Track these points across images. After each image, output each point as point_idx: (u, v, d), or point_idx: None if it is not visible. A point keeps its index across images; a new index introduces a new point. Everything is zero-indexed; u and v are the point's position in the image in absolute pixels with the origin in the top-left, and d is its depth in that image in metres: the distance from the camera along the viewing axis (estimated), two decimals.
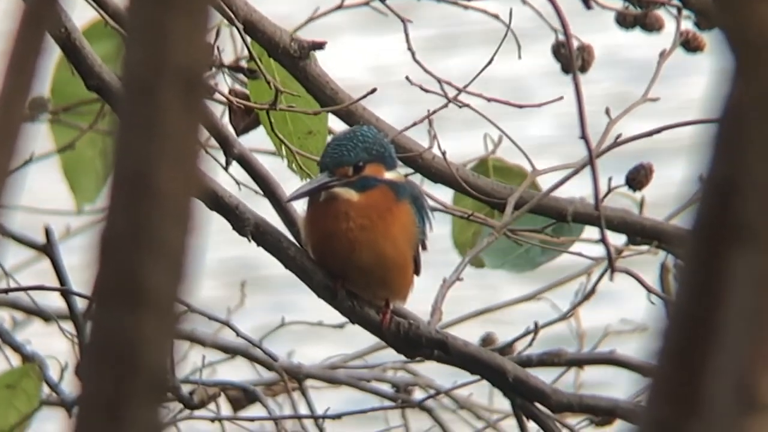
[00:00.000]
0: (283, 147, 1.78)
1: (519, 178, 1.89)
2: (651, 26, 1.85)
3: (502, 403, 2.07)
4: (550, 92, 1.75)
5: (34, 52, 0.85)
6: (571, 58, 1.73)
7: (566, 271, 2.06)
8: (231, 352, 2.05)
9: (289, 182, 1.77)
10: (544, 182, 1.84)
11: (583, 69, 1.83)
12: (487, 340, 2.01)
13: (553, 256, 1.88)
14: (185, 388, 1.87)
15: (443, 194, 1.88)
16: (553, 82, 1.88)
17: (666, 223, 1.81)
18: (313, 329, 2.16)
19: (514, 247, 1.87)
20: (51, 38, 0.87)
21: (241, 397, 2.07)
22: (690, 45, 1.84)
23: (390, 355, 1.93)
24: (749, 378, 0.78)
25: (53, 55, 1.67)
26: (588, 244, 1.84)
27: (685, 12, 1.82)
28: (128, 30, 0.82)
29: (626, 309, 2.18)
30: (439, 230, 1.79)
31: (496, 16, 1.83)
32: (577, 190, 1.81)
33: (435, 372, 2.09)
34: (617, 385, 1.80)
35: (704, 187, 0.81)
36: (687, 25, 1.84)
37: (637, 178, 1.82)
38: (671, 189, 1.71)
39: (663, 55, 1.82)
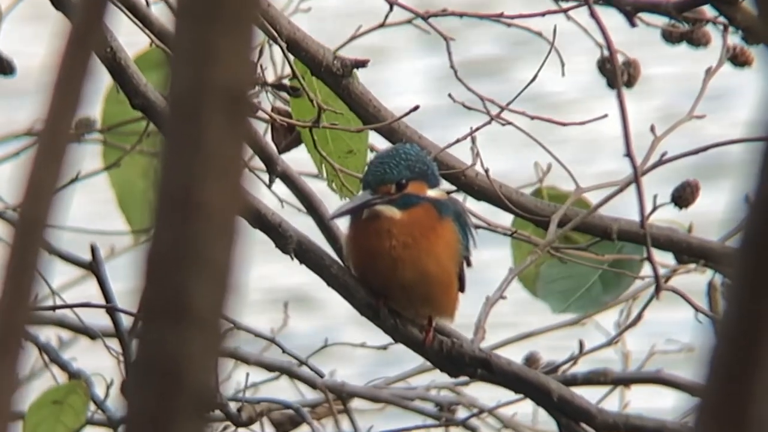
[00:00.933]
0: (323, 166, 1.78)
1: (574, 205, 1.87)
2: (698, 41, 1.84)
3: (546, 423, 2.06)
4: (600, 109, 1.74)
5: (81, 71, 0.86)
6: (616, 74, 1.72)
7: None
8: (275, 370, 2.05)
9: (331, 200, 1.77)
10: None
11: (629, 84, 1.82)
12: (531, 360, 2.00)
13: (617, 293, 1.86)
14: (232, 406, 1.87)
15: (486, 212, 1.87)
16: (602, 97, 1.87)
17: (713, 242, 1.79)
18: (355, 351, 2.15)
19: (575, 287, 1.85)
20: (97, 58, 0.88)
21: (285, 421, 2.07)
22: (737, 60, 1.83)
23: (433, 376, 1.92)
24: None
25: (103, 77, 1.68)
26: (632, 263, 1.82)
27: (731, 28, 1.80)
28: (173, 49, 0.83)
29: (672, 331, 2.16)
30: (484, 248, 1.78)
31: (539, 34, 1.83)
32: (625, 208, 1.79)
33: (479, 392, 2.08)
34: (662, 410, 1.78)
35: (752, 205, 0.80)
36: (735, 40, 1.82)
37: (683, 196, 1.81)
38: (718, 209, 1.70)
39: (709, 72, 1.81)
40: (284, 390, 2.08)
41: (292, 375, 2.02)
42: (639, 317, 1.81)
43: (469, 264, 1.71)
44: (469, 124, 1.77)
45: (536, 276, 1.91)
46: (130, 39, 1.78)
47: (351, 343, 2.14)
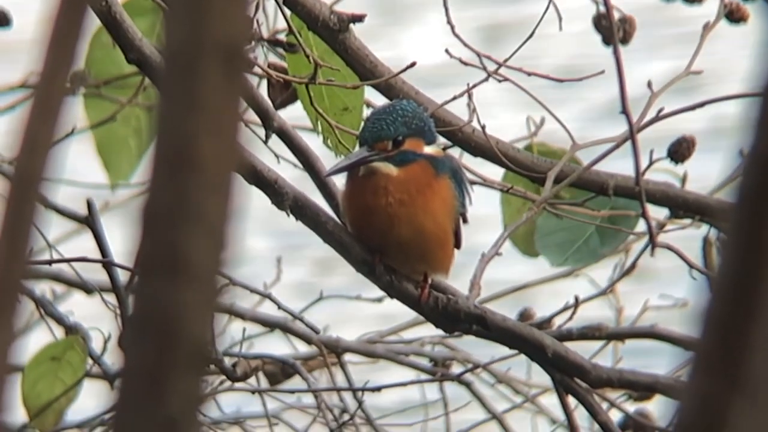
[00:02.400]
0: (319, 122, 1.78)
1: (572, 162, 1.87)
2: None
3: (540, 378, 2.07)
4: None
5: (76, 25, 0.85)
6: (612, 30, 1.72)
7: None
8: (270, 325, 2.06)
9: (328, 156, 1.77)
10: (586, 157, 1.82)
11: (625, 41, 1.81)
12: (524, 315, 2.00)
13: (614, 245, 1.86)
14: (227, 361, 1.88)
15: (482, 168, 1.87)
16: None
17: (709, 197, 1.79)
18: (350, 304, 2.16)
19: (571, 240, 1.86)
20: (92, 12, 0.87)
21: (278, 372, 2.08)
22: (733, 16, 1.82)
23: (427, 329, 1.93)
24: None
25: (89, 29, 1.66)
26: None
27: None
28: (169, 4, 0.82)
29: (667, 287, 2.17)
30: (479, 204, 1.78)
31: None
32: (622, 165, 1.79)
33: (473, 347, 2.09)
34: (655, 365, 1.79)
35: (747, 160, 0.80)
36: None
37: (680, 151, 1.81)
38: (714, 168, 1.70)
39: (707, 28, 1.81)
40: (279, 344, 2.09)
41: (287, 330, 2.03)
42: (632, 267, 1.82)
43: (465, 221, 1.71)
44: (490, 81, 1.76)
45: (526, 233, 1.92)
46: None
47: (346, 296, 2.15)
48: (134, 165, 2.07)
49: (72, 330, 1.94)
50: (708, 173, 1.83)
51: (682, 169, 1.84)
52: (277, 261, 2.20)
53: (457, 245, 1.71)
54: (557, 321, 1.81)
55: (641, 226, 1.76)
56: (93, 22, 0.86)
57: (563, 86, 1.80)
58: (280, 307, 1.88)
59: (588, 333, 1.75)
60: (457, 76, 1.84)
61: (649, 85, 1.78)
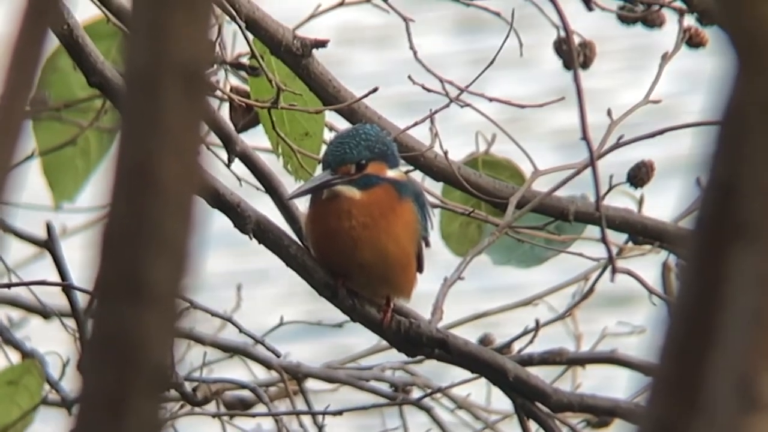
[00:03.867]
0: (280, 146, 1.78)
1: (508, 171, 1.90)
2: (652, 22, 1.85)
3: (500, 404, 2.07)
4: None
5: (37, 48, 0.85)
6: (572, 55, 1.73)
7: (568, 274, 2.06)
8: (230, 351, 2.05)
9: (291, 180, 1.77)
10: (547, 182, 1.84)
11: (585, 65, 1.83)
12: (485, 341, 2.01)
13: (557, 251, 1.88)
14: (187, 386, 1.87)
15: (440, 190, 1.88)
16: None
17: (668, 223, 1.81)
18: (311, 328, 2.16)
19: (517, 244, 1.87)
20: (53, 34, 0.87)
21: (237, 403, 2.07)
22: (692, 41, 1.84)
23: (389, 355, 1.93)
24: (750, 377, 0.78)
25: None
26: (591, 243, 1.84)
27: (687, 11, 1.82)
28: (130, 26, 0.82)
29: (626, 313, 2.18)
30: (437, 227, 1.79)
31: (497, 14, 1.83)
32: (581, 186, 1.81)
33: (434, 374, 2.09)
34: (615, 388, 1.80)
35: (706, 187, 0.81)
36: (689, 21, 1.84)
37: (639, 176, 1.82)
38: (674, 198, 1.71)
39: (665, 57, 1.83)
40: (237, 370, 2.08)
41: (248, 355, 2.02)
42: (591, 291, 1.83)
43: (427, 244, 1.72)
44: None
45: (459, 234, 1.93)
46: (85, 12, 1.76)
47: (307, 321, 2.14)
48: (80, 185, 2.05)
49: (29, 355, 1.92)
50: (668, 203, 1.85)
51: (642, 195, 1.86)
52: (237, 288, 2.19)
53: (420, 269, 1.72)
54: (517, 346, 1.81)
55: (601, 251, 1.78)
56: (51, 44, 0.86)
57: (536, 112, 1.82)
58: (241, 330, 1.88)
59: (549, 358, 1.76)
60: (423, 103, 1.85)
61: (609, 113, 1.80)
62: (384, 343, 1.82)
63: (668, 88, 1.85)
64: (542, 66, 1.84)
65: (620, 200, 1.81)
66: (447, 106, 1.80)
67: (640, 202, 1.83)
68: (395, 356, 1.77)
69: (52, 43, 0.86)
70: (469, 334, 1.85)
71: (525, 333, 1.79)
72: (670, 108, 1.90)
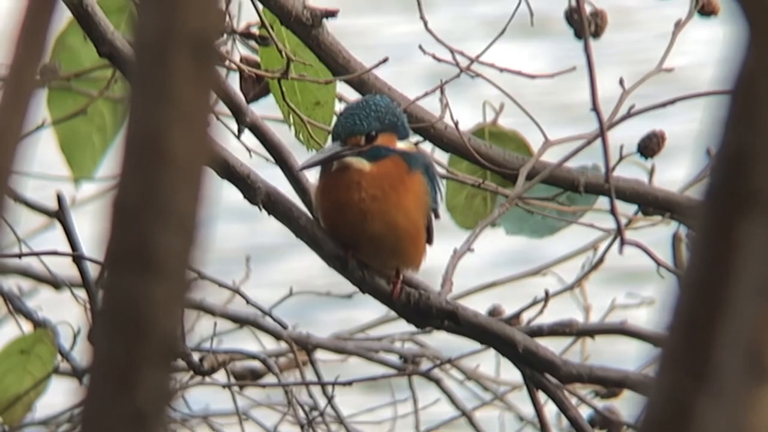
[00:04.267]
0: (291, 116, 1.78)
1: (514, 143, 1.89)
2: None
3: (509, 375, 2.07)
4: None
5: (46, 18, 0.85)
6: (583, 24, 1.72)
7: (578, 246, 2.05)
8: (240, 322, 2.06)
9: (301, 151, 1.77)
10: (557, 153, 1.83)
11: (596, 35, 1.82)
12: (494, 313, 2.01)
13: (569, 218, 1.87)
14: (195, 356, 1.88)
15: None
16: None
17: (678, 194, 1.80)
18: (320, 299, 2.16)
19: (529, 214, 1.87)
20: (63, 4, 0.87)
21: (246, 373, 2.08)
22: (704, 9, 1.83)
23: (398, 326, 1.93)
24: (759, 348, 0.78)
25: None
26: (602, 214, 1.84)
27: None
28: None
29: (635, 287, 2.18)
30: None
31: None
32: (593, 157, 1.80)
33: (443, 345, 2.09)
34: (624, 361, 1.80)
35: (716, 157, 0.81)
36: None
37: (650, 146, 1.82)
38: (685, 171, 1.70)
39: (678, 25, 1.81)
40: (247, 341, 2.09)
41: (258, 326, 2.03)
42: (600, 262, 1.83)
43: (437, 216, 1.72)
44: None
45: (464, 206, 1.93)
46: None
47: (316, 292, 2.15)
48: (98, 161, 2.06)
49: (40, 325, 1.93)
50: (679, 175, 1.84)
51: (653, 165, 1.85)
52: (246, 259, 2.19)
53: (429, 241, 1.72)
54: (526, 317, 1.82)
55: (610, 222, 1.77)
56: (61, 16, 0.86)
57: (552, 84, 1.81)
58: (248, 302, 1.88)
59: (558, 329, 1.76)
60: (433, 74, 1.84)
61: (621, 82, 1.79)
62: (393, 314, 1.82)
63: (681, 58, 1.84)
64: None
65: (633, 171, 1.81)
66: (457, 76, 1.79)
67: (651, 173, 1.83)
68: (404, 327, 1.77)
69: (63, 18, 0.85)
70: (478, 305, 1.85)
71: (534, 303, 1.79)
72: (683, 79, 1.89)
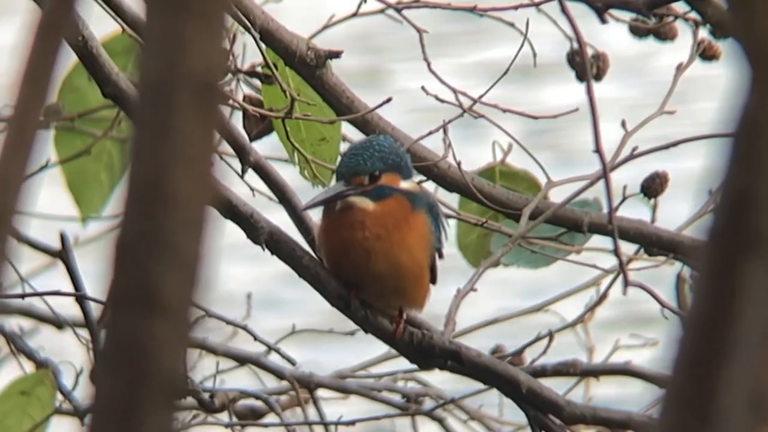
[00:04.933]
0: (296, 154, 1.78)
1: (525, 183, 1.90)
2: (665, 35, 1.85)
3: (512, 415, 2.06)
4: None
5: (51, 59, 0.85)
6: (586, 67, 1.73)
7: (579, 283, 2.05)
8: (242, 360, 2.05)
9: (304, 191, 1.77)
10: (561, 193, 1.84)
11: (598, 77, 1.83)
12: (496, 352, 2.01)
13: (567, 252, 1.87)
14: (204, 395, 1.87)
15: (455, 201, 1.88)
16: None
17: (682, 235, 1.80)
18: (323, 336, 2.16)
19: (527, 244, 1.87)
20: (68, 46, 0.87)
21: (248, 412, 2.07)
22: (706, 54, 1.84)
23: (402, 362, 1.93)
24: (762, 390, 0.78)
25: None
26: (603, 253, 1.84)
27: (701, 23, 1.81)
28: (144, 37, 0.83)
29: (639, 328, 2.17)
30: (453, 238, 1.79)
31: (511, 24, 1.84)
32: (596, 190, 1.80)
33: (446, 384, 2.09)
34: (627, 402, 1.80)
35: (719, 198, 0.81)
36: (702, 34, 1.84)
37: (653, 186, 1.82)
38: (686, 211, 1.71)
39: (680, 68, 1.82)
40: (248, 380, 2.08)
41: (260, 365, 2.02)
42: (603, 298, 1.82)
43: (441, 256, 1.72)
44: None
45: (475, 245, 1.93)
46: (101, 27, 1.77)
47: (319, 330, 2.14)
48: (105, 199, 2.06)
49: (42, 365, 1.92)
50: (682, 215, 1.84)
51: (656, 205, 1.85)
52: (247, 297, 2.19)
53: (433, 280, 1.71)
54: (528, 355, 1.81)
55: (613, 261, 1.77)
56: (66, 57, 0.86)
57: (548, 125, 1.82)
58: (256, 338, 1.88)
59: (562, 369, 1.75)
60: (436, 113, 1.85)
61: (623, 124, 1.80)
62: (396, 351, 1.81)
63: (682, 99, 1.85)
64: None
65: (636, 211, 1.81)
66: (460, 116, 1.80)
67: (654, 213, 1.83)
68: (407, 364, 1.76)
69: (68, 59, 0.86)
70: (480, 341, 1.85)
71: (537, 339, 1.78)
72: (685, 120, 1.90)
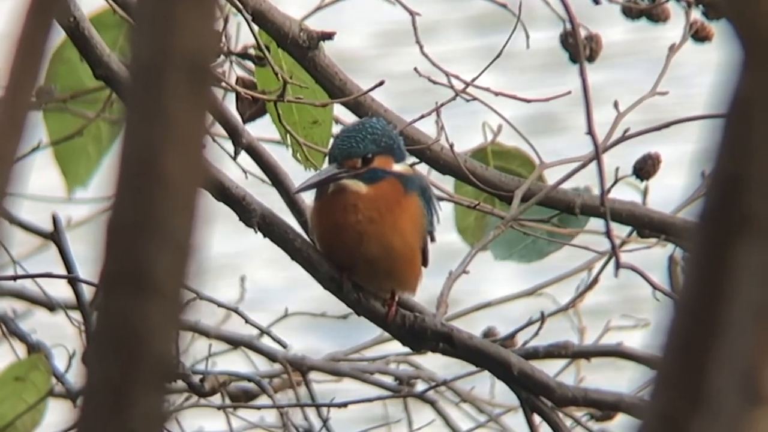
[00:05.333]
0: (288, 137, 1.78)
1: (518, 160, 1.89)
2: (657, 17, 1.85)
3: (504, 397, 2.07)
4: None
5: (42, 40, 0.85)
6: (578, 48, 1.73)
7: (572, 266, 2.05)
8: (234, 343, 2.05)
9: (297, 173, 1.77)
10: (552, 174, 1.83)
11: (591, 59, 1.82)
12: (488, 335, 2.01)
13: (560, 245, 1.87)
14: (195, 378, 1.87)
15: (448, 184, 1.88)
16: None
17: (674, 216, 1.80)
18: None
19: (520, 238, 1.87)
20: (59, 26, 0.87)
21: (240, 394, 2.07)
22: (698, 35, 1.84)
23: (394, 345, 1.93)
24: (753, 372, 0.78)
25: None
26: (596, 236, 1.84)
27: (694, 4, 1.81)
28: (136, 18, 0.82)
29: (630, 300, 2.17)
30: (446, 221, 1.79)
31: (504, 5, 1.83)
32: (587, 177, 1.80)
33: (438, 367, 2.09)
34: (618, 387, 1.80)
35: (710, 180, 0.81)
36: (695, 15, 1.84)
37: (645, 168, 1.82)
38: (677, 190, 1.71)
39: (672, 49, 1.82)
40: (240, 362, 2.08)
41: (252, 348, 2.02)
42: (594, 282, 1.83)
43: (433, 239, 1.72)
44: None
45: (475, 227, 1.93)
46: (92, 7, 1.76)
47: (312, 313, 2.14)
48: (92, 171, 2.05)
49: (35, 348, 1.92)
50: (674, 198, 1.84)
51: (647, 186, 1.85)
52: (241, 279, 2.19)
53: (425, 263, 1.71)
54: (520, 338, 1.81)
55: (605, 244, 1.77)
56: (57, 36, 0.86)
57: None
58: (247, 321, 1.88)
59: (554, 351, 1.75)
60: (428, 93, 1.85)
61: (616, 105, 1.79)
62: (388, 334, 1.82)
63: (674, 82, 1.84)
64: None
65: (629, 193, 1.81)
66: (453, 99, 1.79)
67: (645, 194, 1.83)
68: (399, 348, 1.76)
69: (59, 35, 0.86)
70: (474, 327, 1.85)
71: (529, 324, 1.79)
72: (677, 102, 1.90)
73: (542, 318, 1.77)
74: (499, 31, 1.78)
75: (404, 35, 1.82)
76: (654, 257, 1.86)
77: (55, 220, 1.79)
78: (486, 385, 2.10)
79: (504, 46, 1.75)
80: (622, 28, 1.90)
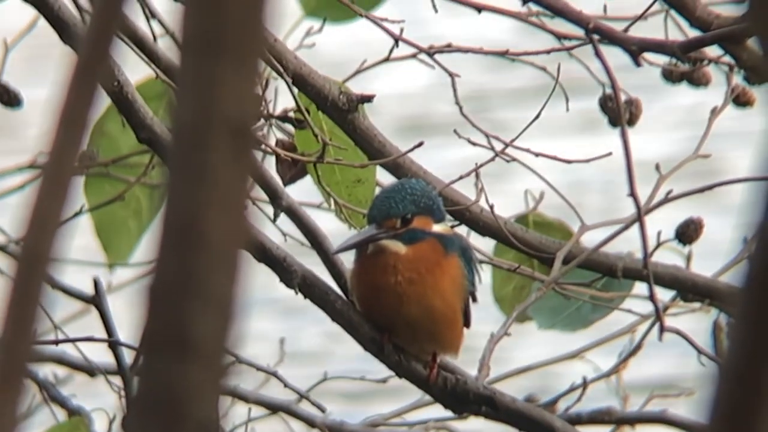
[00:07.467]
0: (331, 197, 1.78)
1: (559, 233, 1.88)
2: (698, 81, 1.84)
3: None
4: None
5: (86, 104, 0.86)
6: (619, 112, 1.73)
7: (614, 329, 2.03)
8: (273, 408, 2.04)
9: (336, 236, 1.77)
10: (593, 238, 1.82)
11: (631, 122, 1.82)
12: (530, 400, 1.99)
13: (605, 312, 1.85)
14: None
15: (488, 246, 1.87)
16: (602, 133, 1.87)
17: (718, 281, 1.78)
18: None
19: (563, 305, 1.85)
20: (103, 91, 0.88)
21: None
22: (740, 100, 1.83)
23: (434, 412, 1.91)
24: None
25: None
26: (638, 300, 1.82)
27: (736, 68, 1.81)
28: (178, 82, 0.83)
29: (672, 366, 2.14)
30: (484, 285, 1.78)
31: (543, 69, 1.83)
32: (627, 241, 1.79)
33: (476, 428, 2.07)
34: None
35: (755, 243, 0.80)
36: (737, 80, 1.83)
37: (687, 233, 1.81)
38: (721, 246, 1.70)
39: (714, 112, 1.81)
40: (279, 428, 2.07)
41: (291, 413, 2.01)
42: (638, 348, 1.80)
43: (474, 300, 1.71)
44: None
45: (512, 298, 1.91)
46: (135, 72, 1.78)
47: (350, 377, 2.13)
48: (133, 246, 2.06)
49: (75, 413, 1.92)
50: (718, 262, 1.83)
51: (691, 252, 1.84)
52: (280, 342, 2.18)
53: (467, 324, 1.70)
54: (562, 404, 1.79)
55: (650, 308, 1.75)
56: (101, 101, 0.86)
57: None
58: (286, 385, 1.87)
59: (597, 417, 1.73)
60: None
61: (657, 167, 1.78)
62: (427, 398, 1.80)
63: (717, 145, 1.84)
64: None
65: (670, 258, 1.80)
66: (492, 160, 1.79)
67: (688, 259, 1.81)
68: (439, 412, 1.75)
69: (102, 102, 0.86)
70: (511, 385, 1.83)
71: (571, 390, 1.76)
72: (719, 165, 1.89)
73: (584, 384, 1.75)
74: (545, 98, 1.78)
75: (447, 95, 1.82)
76: (698, 323, 1.84)
77: (96, 284, 1.79)
78: None
79: (541, 110, 1.75)
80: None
